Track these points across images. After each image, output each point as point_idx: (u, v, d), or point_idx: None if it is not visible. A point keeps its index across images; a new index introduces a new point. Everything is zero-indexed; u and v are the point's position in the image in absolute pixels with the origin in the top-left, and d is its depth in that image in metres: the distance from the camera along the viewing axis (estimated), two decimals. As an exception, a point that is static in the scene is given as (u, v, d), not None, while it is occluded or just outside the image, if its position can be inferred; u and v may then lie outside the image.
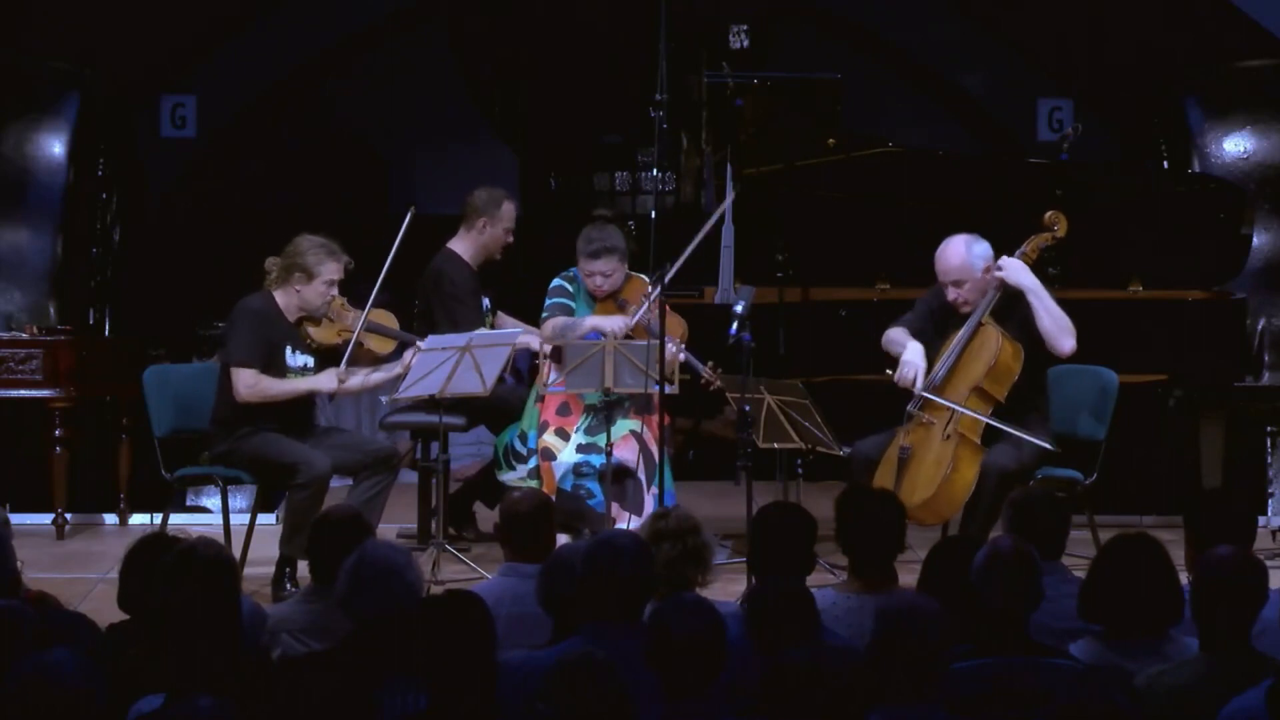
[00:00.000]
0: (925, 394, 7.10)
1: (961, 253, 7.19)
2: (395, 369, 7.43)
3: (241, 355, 7.18)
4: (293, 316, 7.32)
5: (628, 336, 7.46)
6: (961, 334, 7.15)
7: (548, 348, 7.54)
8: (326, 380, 7.27)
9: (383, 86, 11.97)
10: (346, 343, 7.31)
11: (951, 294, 7.20)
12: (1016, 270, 7.14)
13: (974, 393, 7.08)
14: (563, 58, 11.88)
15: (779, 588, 4.53)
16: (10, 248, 9.65)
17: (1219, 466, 8.42)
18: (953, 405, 7.03)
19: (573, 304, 7.67)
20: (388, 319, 7.56)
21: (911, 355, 7.17)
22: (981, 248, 7.20)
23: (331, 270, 7.26)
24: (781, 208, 8.37)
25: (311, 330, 7.33)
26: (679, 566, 4.98)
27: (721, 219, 7.83)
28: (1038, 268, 7.49)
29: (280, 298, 7.31)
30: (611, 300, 7.62)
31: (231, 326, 7.26)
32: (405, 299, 8.22)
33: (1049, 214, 7.40)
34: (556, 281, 7.73)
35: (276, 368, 7.24)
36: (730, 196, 8.15)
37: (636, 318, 7.47)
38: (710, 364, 7.39)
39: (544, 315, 7.68)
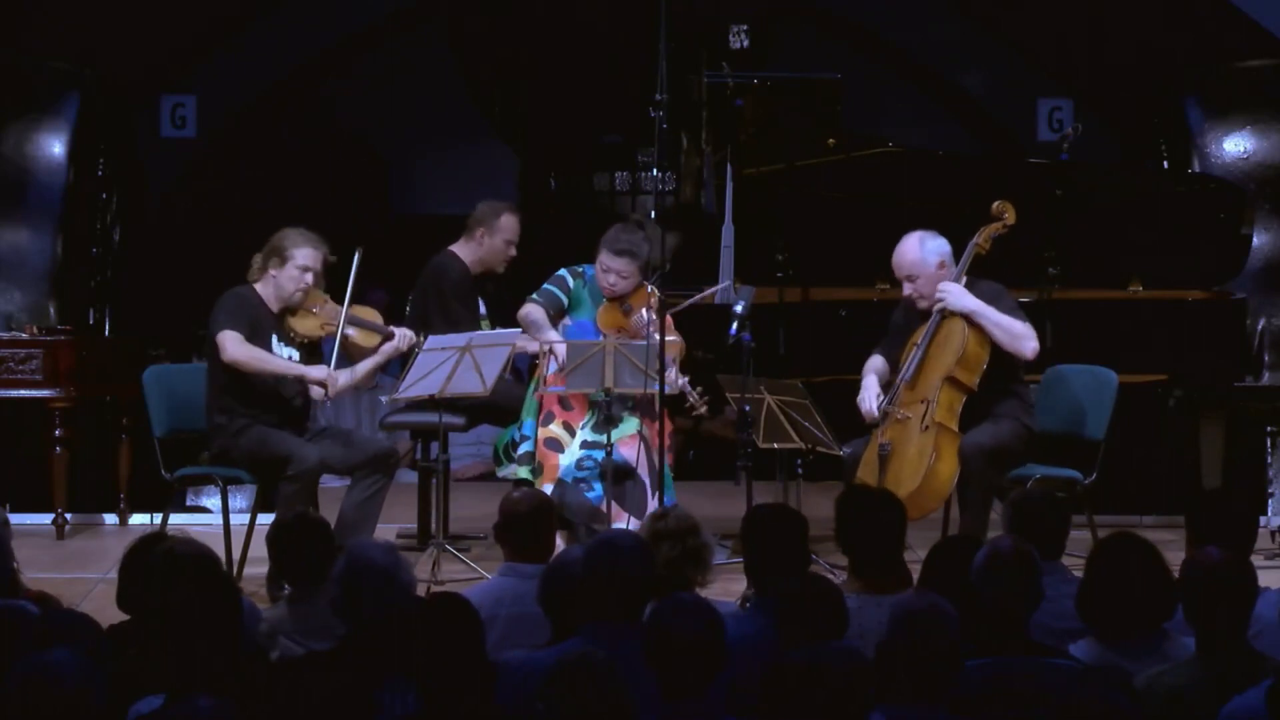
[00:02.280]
0: (900, 383, 7.13)
1: (915, 249, 7.24)
2: (369, 364, 7.44)
3: (227, 323, 7.19)
4: (275, 308, 7.33)
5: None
6: (927, 328, 7.19)
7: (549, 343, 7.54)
8: (317, 370, 7.28)
9: (383, 86, 11.98)
10: (330, 336, 7.32)
11: (906, 289, 7.27)
12: (957, 296, 7.15)
13: (946, 382, 7.11)
14: (563, 58, 11.89)
15: (811, 585, 4.54)
16: (10, 248, 9.65)
17: (1219, 466, 8.42)
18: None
19: (565, 299, 7.65)
20: (370, 314, 7.55)
21: (864, 390, 7.24)
22: (936, 244, 7.25)
23: (306, 256, 7.26)
24: (781, 208, 8.37)
25: (294, 322, 7.34)
26: (678, 567, 4.98)
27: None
28: (1023, 263, 7.49)
29: (262, 289, 7.34)
30: (616, 303, 7.60)
31: (215, 310, 7.27)
32: (403, 300, 8.23)
33: (996, 204, 7.43)
34: (562, 272, 7.71)
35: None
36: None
37: (638, 329, 7.43)
38: (699, 389, 7.37)
39: (531, 296, 7.66)
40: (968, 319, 7.12)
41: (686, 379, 7.38)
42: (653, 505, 7.27)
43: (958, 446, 7.04)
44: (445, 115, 12.17)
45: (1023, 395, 7.28)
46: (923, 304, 7.23)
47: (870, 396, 7.21)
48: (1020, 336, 7.12)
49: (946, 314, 7.17)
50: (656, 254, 7.38)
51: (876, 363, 7.35)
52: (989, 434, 7.08)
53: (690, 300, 7.64)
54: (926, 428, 7.07)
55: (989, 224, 7.38)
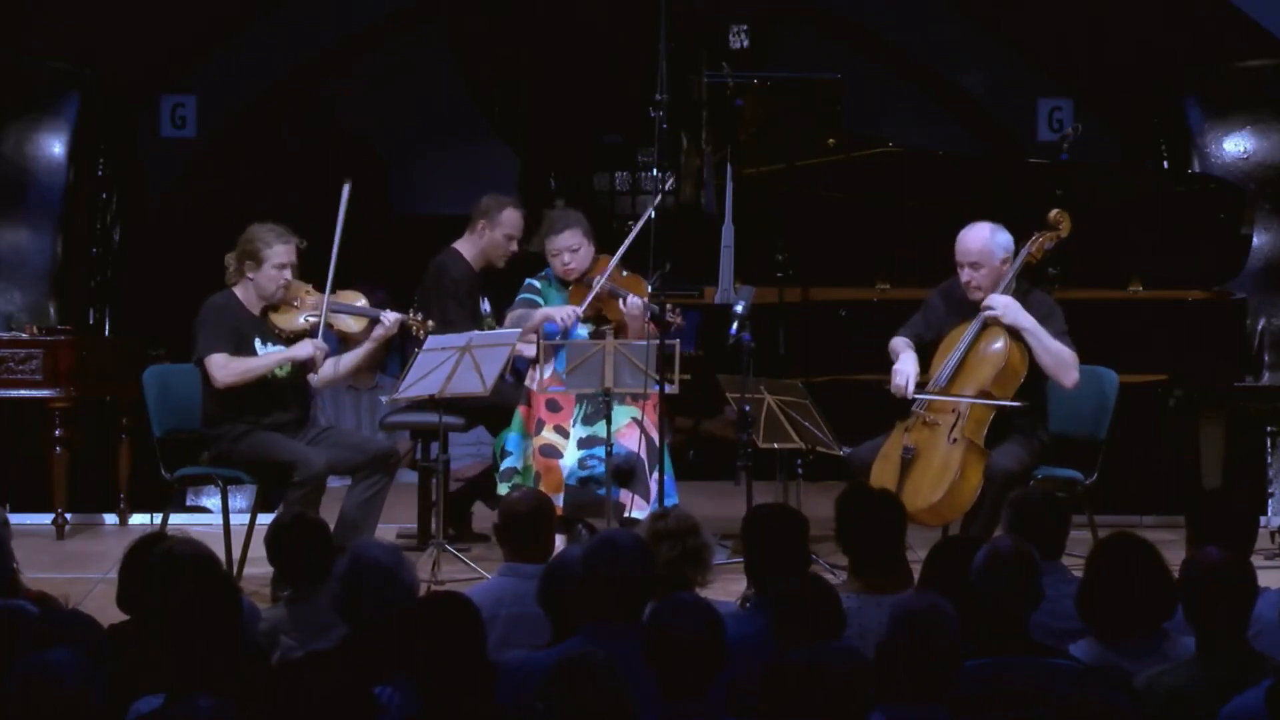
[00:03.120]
0: (931, 396, 7.06)
1: (985, 236, 7.14)
2: (364, 350, 7.44)
3: (208, 346, 7.20)
4: (256, 309, 7.32)
5: (598, 313, 7.57)
6: (967, 333, 7.10)
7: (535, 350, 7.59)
8: (303, 348, 7.27)
9: (383, 86, 11.97)
10: (315, 328, 7.31)
11: (966, 275, 7.14)
12: (1013, 311, 7.04)
13: (979, 395, 7.04)
14: (563, 58, 11.88)
15: (807, 584, 4.54)
16: (10, 248, 9.65)
17: (1219, 466, 8.42)
18: (959, 399, 7.00)
19: (541, 300, 7.74)
20: (354, 298, 7.54)
21: (903, 365, 7.15)
22: (1004, 238, 7.16)
23: (280, 254, 7.26)
24: (781, 208, 8.37)
25: (276, 319, 7.33)
26: (679, 567, 4.98)
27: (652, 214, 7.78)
28: (1039, 267, 7.48)
29: (240, 292, 7.33)
30: (581, 283, 7.67)
31: (197, 326, 7.27)
32: (405, 300, 8.22)
33: (1054, 213, 7.36)
34: (527, 280, 7.86)
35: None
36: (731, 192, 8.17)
37: (597, 287, 7.54)
38: (669, 305, 7.38)
39: (511, 308, 7.75)
40: (1015, 334, 7.08)
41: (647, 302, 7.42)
42: (653, 484, 7.31)
43: (983, 464, 6.97)
44: (445, 115, 12.17)
45: (1044, 410, 7.24)
46: (977, 295, 7.13)
47: (908, 372, 7.10)
48: (1067, 366, 7.04)
49: (990, 321, 7.10)
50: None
51: (903, 343, 7.26)
52: (1015, 458, 7.00)
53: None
54: (954, 441, 6.98)
55: (1044, 232, 7.31)
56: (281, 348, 7.33)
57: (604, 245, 7.85)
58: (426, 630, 3.98)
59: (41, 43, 10.02)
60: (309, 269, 7.43)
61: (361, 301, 7.52)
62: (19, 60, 9.88)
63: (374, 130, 12.28)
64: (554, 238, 7.72)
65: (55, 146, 9.74)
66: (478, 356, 7.19)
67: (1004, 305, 7.06)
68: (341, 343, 7.51)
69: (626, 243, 7.57)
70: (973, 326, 7.10)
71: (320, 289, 7.37)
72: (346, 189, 7.42)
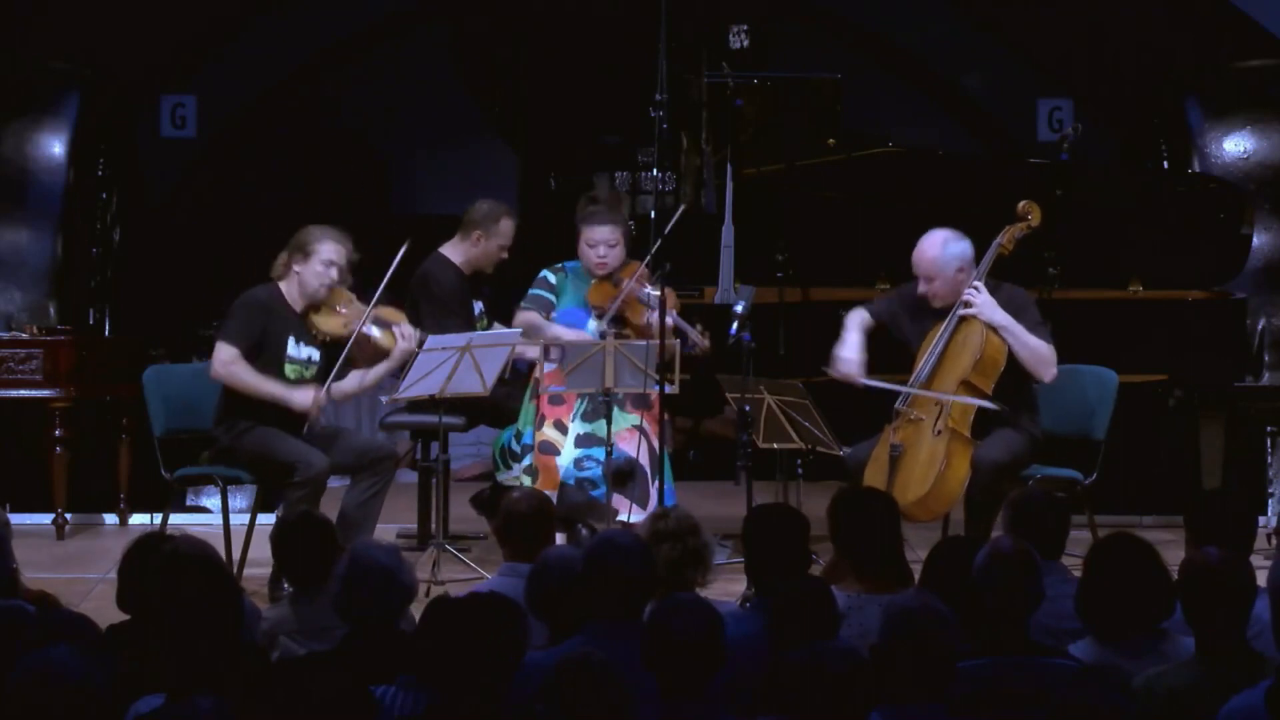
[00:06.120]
0: (913, 390, 7.08)
1: (936, 249, 7.13)
2: (385, 366, 7.40)
3: (228, 335, 7.17)
4: (299, 307, 7.29)
5: (620, 317, 7.48)
6: (944, 328, 7.11)
7: (556, 341, 7.55)
8: (301, 397, 7.17)
9: (383, 86, 11.98)
10: (350, 335, 7.25)
11: (922, 287, 7.16)
12: (988, 308, 7.05)
13: (961, 386, 7.05)
14: (563, 58, 11.89)
15: (802, 585, 4.53)
16: (10, 248, 9.65)
17: (1219, 466, 8.42)
18: (940, 396, 7.01)
19: (553, 297, 7.66)
20: (396, 315, 7.50)
21: (845, 351, 7.17)
22: (958, 247, 7.14)
23: (329, 250, 7.22)
24: (781, 208, 8.37)
25: (316, 319, 7.29)
26: (679, 567, 4.98)
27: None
28: (1023, 263, 7.47)
29: (285, 288, 7.29)
30: (608, 280, 7.58)
31: (230, 312, 7.25)
32: (401, 300, 8.22)
33: (1022, 204, 7.35)
34: (543, 273, 7.73)
35: (273, 357, 7.21)
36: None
37: (624, 290, 7.46)
38: (699, 326, 7.37)
39: (522, 305, 7.67)
40: (993, 327, 7.07)
41: (680, 319, 7.38)
42: (652, 491, 7.30)
43: (970, 454, 6.99)
44: (445, 115, 12.18)
45: (1032, 404, 7.24)
46: (937, 303, 7.15)
47: (852, 359, 7.12)
48: (1045, 361, 7.04)
49: (965, 316, 7.09)
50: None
51: (862, 318, 7.26)
52: (1003, 448, 7.02)
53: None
54: (939, 432, 7.00)
55: (1013, 224, 7.31)
56: (314, 351, 7.29)
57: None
58: (471, 630, 3.91)
59: (41, 43, 10.02)
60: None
61: (402, 320, 7.44)
62: (19, 60, 9.88)
63: (374, 130, 12.29)
64: (596, 228, 7.55)
65: (55, 146, 9.74)
66: (478, 356, 7.18)
67: (981, 302, 7.07)
68: (349, 362, 7.41)
69: (654, 247, 7.44)
70: (948, 323, 7.12)
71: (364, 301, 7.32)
72: (402, 251, 7.30)
